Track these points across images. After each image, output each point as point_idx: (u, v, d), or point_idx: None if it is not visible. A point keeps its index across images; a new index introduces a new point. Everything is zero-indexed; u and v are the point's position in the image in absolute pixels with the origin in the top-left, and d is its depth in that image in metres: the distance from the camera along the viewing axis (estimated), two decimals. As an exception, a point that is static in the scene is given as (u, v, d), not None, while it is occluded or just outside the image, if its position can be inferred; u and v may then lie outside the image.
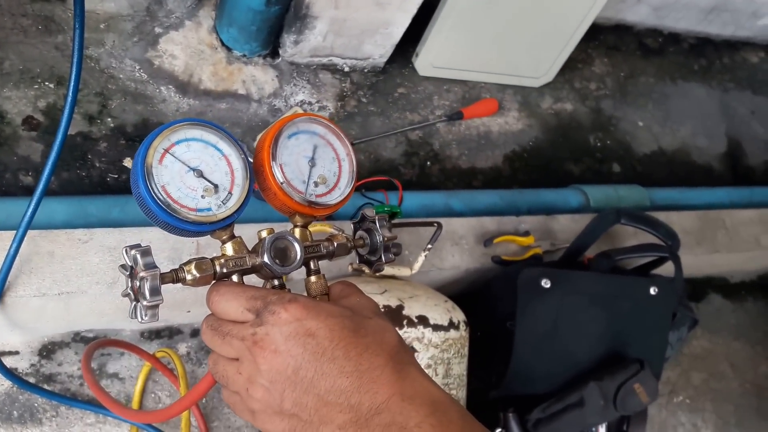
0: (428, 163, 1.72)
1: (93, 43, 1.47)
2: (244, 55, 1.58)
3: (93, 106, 1.41)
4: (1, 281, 1.01)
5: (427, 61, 1.77)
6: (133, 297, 0.55)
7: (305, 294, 0.63)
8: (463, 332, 1.22)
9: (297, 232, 0.64)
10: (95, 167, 1.35)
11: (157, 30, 1.54)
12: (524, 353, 1.27)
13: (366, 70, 1.73)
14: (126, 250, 0.55)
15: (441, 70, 1.80)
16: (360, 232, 0.71)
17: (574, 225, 1.57)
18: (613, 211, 1.44)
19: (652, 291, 1.35)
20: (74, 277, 1.07)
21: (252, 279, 0.62)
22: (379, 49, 1.66)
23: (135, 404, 1.19)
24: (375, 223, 0.69)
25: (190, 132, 0.59)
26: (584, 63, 2.13)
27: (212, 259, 0.58)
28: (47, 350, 1.20)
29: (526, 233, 1.50)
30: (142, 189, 0.55)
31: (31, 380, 1.16)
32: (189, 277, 0.57)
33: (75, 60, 0.91)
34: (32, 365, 1.18)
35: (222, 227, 0.59)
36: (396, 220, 1.21)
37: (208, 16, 1.60)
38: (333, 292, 0.63)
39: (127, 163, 1.38)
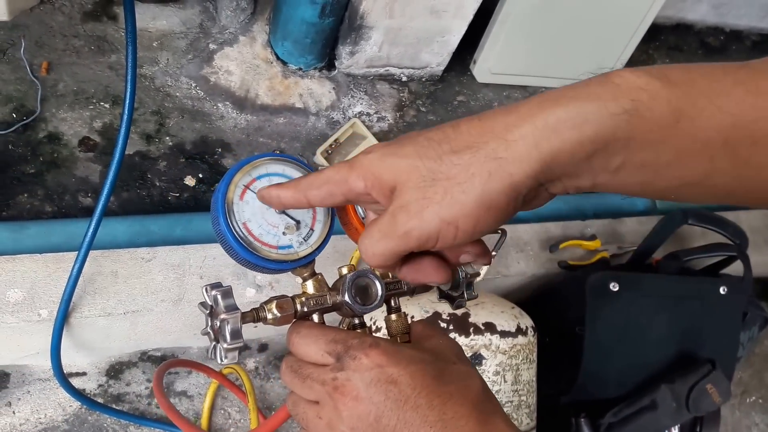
0: (490, 171, 1.67)
1: (147, 62, 1.48)
2: (300, 69, 1.57)
3: (150, 125, 1.41)
4: (65, 302, 1.00)
5: (486, 67, 1.73)
6: (212, 337, 0.54)
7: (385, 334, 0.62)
8: (531, 338, 1.19)
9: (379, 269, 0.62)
10: (155, 186, 1.35)
11: (212, 46, 1.55)
12: (594, 357, 1.26)
13: (424, 79, 1.71)
14: (206, 290, 0.53)
15: (500, 76, 1.76)
16: None
17: (641, 227, 1.54)
18: (680, 211, 1.42)
19: (722, 291, 1.34)
20: (139, 296, 1.06)
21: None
22: (436, 58, 1.63)
23: (204, 421, 1.17)
24: None
25: (272, 167, 0.57)
26: (645, 64, 2.06)
27: (293, 298, 0.57)
28: (115, 370, 1.19)
29: (593, 237, 1.47)
30: (222, 226, 0.54)
31: (99, 401, 1.16)
32: (270, 316, 0.55)
33: (129, 79, 0.91)
34: (100, 386, 1.18)
35: (303, 265, 0.58)
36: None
37: (262, 31, 1.59)
38: (414, 332, 0.61)
39: (189, 181, 1.37)
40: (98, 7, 1.49)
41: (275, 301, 0.55)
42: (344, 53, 1.57)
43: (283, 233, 0.57)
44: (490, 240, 1.27)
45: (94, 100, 1.39)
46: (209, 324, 0.53)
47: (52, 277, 1.03)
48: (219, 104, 1.49)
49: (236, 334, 0.52)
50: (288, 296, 0.57)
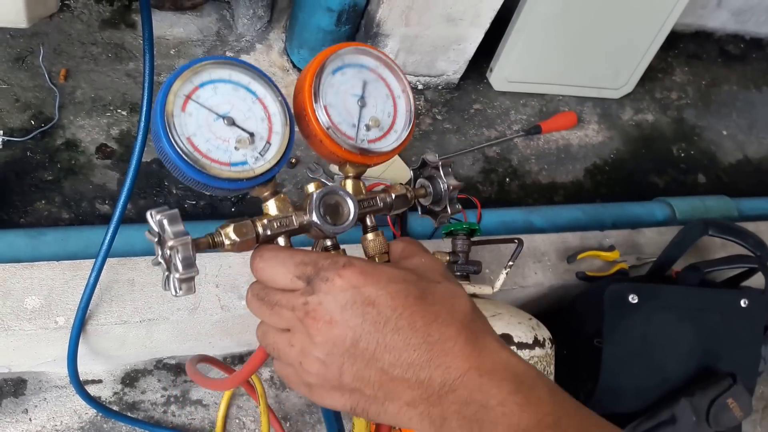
0: (507, 179, 1.66)
1: (164, 69, 1.49)
2: (315, 77, 1.57)
3: (168, 132, 1.41)
4: (82, 310, 1.00)
5: (502, 75, 1.72)
6: (165, 267, 0.47)
7: (362, 255, 0.56)
8: (548, 350, 1.18)
9: (349, 184, 0.57)
10: (172, 194, 1.35)
11: (228, 54, 1.55)
12: (613, 370, 1.24)
13: (440, 87, 1.70)
14: (151, 215, 0.46)
15: (517, 84, 1.75)
16: (421, 180, 0.62)
17: (660, 238, 1.52)
18: (700, 222, 1.39)
19: (743, 303, 1.31)
20: (155, 304, 1.06)
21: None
22: (452, 66, 1.62)
23: (218, 430, 1.16)
24: (438, 169, 0.60)
25: (216, 72, 0.50)
26: (664, 72, 2.05)
27: (253, 220, 0.51)
28: (130, 378, 1.19)
29: (611, 248, 1.45)
30: (164, 143, 0.47)
31: (115, 408, 1.15)
32: (227, 241, 0.49)
33: (146, 86, 0.91)
34: (115, 393, 1.17)
35: (261, 183, 0.51)
36: (476, 238, 1.17)
37: (278, 39, 1.59)
38: (394, 252, 0.55)
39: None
40: (116, 14, 1.50)
41: (232, 225, 0.50)
42: (361, 61, 1.56)
43: (235, 148, 0.50)
44: (507, 250, 1.26)
45: (112, 108, 1.39)
46: (159, 253, 0.47)
47: (69, 284, 1.03)
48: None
49: (188, 263, 0.46)
50: (247, 218, 0.51)
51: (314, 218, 0.51)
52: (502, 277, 1.21)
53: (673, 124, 1.97)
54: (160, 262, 0.48)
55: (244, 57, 1.55)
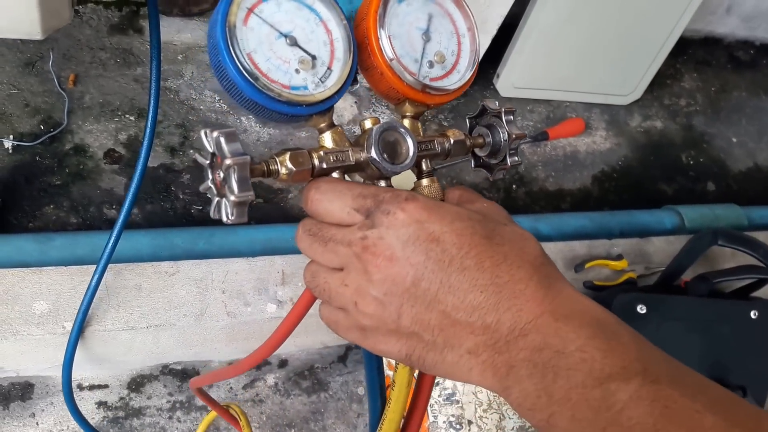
0: (513, 186, 1.66)
1: (172, 75, 1.49)
2: (323, 83, 1.58)
3: (174, 137, 1.42)
4: (81, 316, 1.00)
5: (509, 81, 1.72)
6: (215, 191, 0.44)
7: None
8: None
9: (407, 123, 0.53)
10: (179, 199, 1.36)
11: (237, 61, 1.55)
12: None
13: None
14: (206, 133, 0.44)
15: (523, 90, 1.75)
16: (479, 129, 0.57)
17: (669, 247, 1.51)
18: (709, 232, 1.38)
19: (753, 315, 1.29)
20: (162, 310, 1.06)
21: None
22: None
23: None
24: (500, 117, 0.56)
25: None
26: (673, 79, 2.04)
27: (309, 151, 0.48)
28: (136, 383, 1.20)
29: (619, 257, 1.44)
30: (224, 57, 0.44)
31: (120, 414, 1.16)
32: (283, 170, 0.46)
33: (152, 92, 0.90)
34: (121, 398, 1.18)
35: (320, 111, 0.48)
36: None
37: (286, 45, 1.60)
38: (450, 198, 0.51)
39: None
40: (124, 20, 1.51)
41: (289, 153, 0.46)
42: (368, 67, 1.57)
43: (296, 70, 0.47)
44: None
45: (120, 113, 1.40)
46: (210, 177, 0.44)
47: (76, 289, 1.03)
48: (242, 118, 1.50)
49: (245, 183, 0.43)
50: (303, 149, 0.48)
51: (372, 154, 0.48)
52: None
53: (682, 131, 1.96)
54: (210, 187, 0.45)
55: (252, 63, 1.56)
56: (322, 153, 0.48)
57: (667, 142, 1.92)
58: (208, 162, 0.44)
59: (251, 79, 0.44)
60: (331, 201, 0.46)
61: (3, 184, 1.25)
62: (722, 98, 2.08)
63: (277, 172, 0.46)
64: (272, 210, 1.41)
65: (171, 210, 1.34)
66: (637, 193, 1.80)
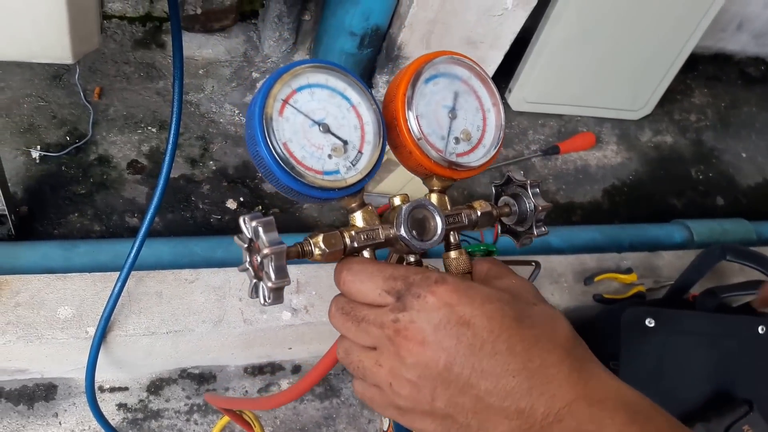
0: (523, 199, 1.69)
1: (193, 89, 1.54)
2: (339, 97, 1.61)
3: (195, 149, 1.46)
4: (104, 321, 1.04)
5: (521, 96, 1.75)
6: (252, 273, 0.47)
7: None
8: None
9: (434, 198, 0.55)
10: (199, 209, 1.40)
11: (255, 75, 1.60)
12: None
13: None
14: (245, 221, 0.46)
15: (535, 104, 1.78)
16: (505, 198, 0.58)
17: (678, 261, 1.52)
18: (718, 247, 1.39)
19: (761, 330, 1.29)
20: (181, 316, 1.10)
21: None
22: (471, 87, 1.66)
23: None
24: (525, 188, 0.57)
25: (314, 76, 0.49)
26: (683, 94, 2.07)
27: (341, 231, 0.50)
28: (155, 386, 1.23)
29: (629, 270, 1.45)
30: (261, 147, 0.46)
31: (139, 416, 1.20)
32: (317, 251, 0.48)
33: (175, 105, 0.94)
34: (140, 401, 1.22)
35: (350, 194, 0.50)
36: (493, 259, 1.19)
37: (303, 60, 1.64)
38: (479, 271, 0.52)
39: (230, 204, 1.42)
40: (148, 35, 1.56)
41: (322, 235, 0.48)
42: (381, 82, 1.60)
43: (329, 156, 0.49)
44: (524, 271, 1.28)
45: (143, 125, 1.45)
46: (248, 259, 0.47)
47: (99, 295, 1.07)
48: (261, 130, 1.54)
49: (281, 271, 0.45)
50: (335, 229, 0.50)
51: (402, 232, 0.49)
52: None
53: (692, 146, 1.98)
54: (247, 269, 0.47)
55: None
56: (353, 233, 0.50)
57: (677, 156, 1.94)
58: (246, 246, 0.47)
59: (287, 168, 0.46)
60: (362, 282, 0.47)
61: (30, 192, 1.30)
62: (732, 114, 2.10)
63: (311, 252, 0.48)
64: (287, 220, 1.45)
65: (191, 219, 1.38)
66: (647, 207, 1.82)
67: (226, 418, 1.18)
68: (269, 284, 0.45)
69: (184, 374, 1.25)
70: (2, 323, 1.01)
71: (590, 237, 1.54)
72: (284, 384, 1.30)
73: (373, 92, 1.64)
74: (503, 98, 1.77)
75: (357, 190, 0.50)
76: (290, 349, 1.28)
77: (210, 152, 1.47)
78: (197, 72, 1.56)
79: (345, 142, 0.49)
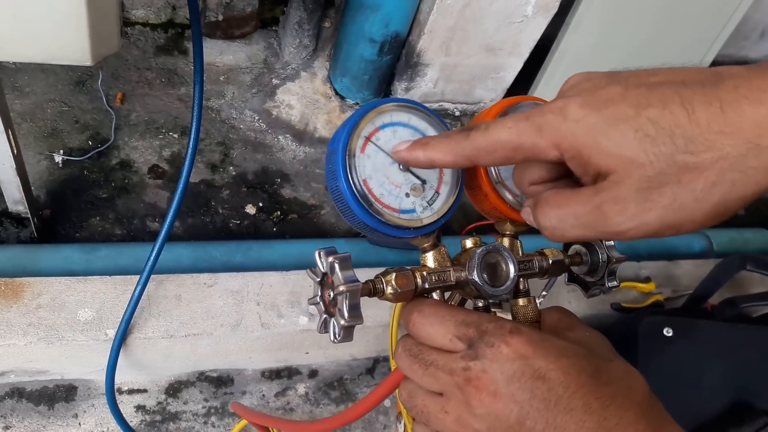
0: (541, 206, 1.69)
1: (214, 95, 1.55)
2: (357, 103, 1.63)
3: (215, 155, 1.48)
4: (125, 323, 1.05)
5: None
6: (323, 309, 0.47)
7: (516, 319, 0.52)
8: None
9: (506, 242, 0.54)
10: (218, 213, 1.41)
11: (275, 81, 1.61)
12: None
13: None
14: (321, 255, 0.46)
15: (554, 112, 1.78)
16: (576, 247, 0.58)
17: (697, 271, 1.50)
18: (738, 256, 1.38)
19: None
20: (200, 320, 1.11)
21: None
22: (490, 93, 1.66)
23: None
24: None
25: (397, 115, 0.49)
26: (704, 102, 2.05)
27: (413, 270, 0.49)
28: (173, 389, 1.25)
29: (647, 279, 1.45)
30: (342, 183, 0.46)
31: (158, 418, 1.21)
32: (389, 290, 0.47)
33: (195, 111, 0.95)
34: (159, 403, 1.23)
35: (425, 234, 0.50)
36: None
37: (322, 67, 1.65)
38: (548, 321, 0.51)
39: (249, 209, 1.43)
40: (170, 41, 1.58)
41: (395, 273, 0.47)
42: (400, 89, 1.61)
43: (406, 195, 0.48)
44: (541, 280, 1.28)
45: (164, 130, 1.46)
46: (320, 294, 0.47)
47: (119, 298, 1.09)
48: (280, 137, 1.55)
49: (355, 309, 0.44)
50: (407, 269, 0.49)
51: (474, 277, 0.48)
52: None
53: (713, 154, 1.97)
54: (318, 303, 0.47)
55: (289, 84, 1.61)
56: (425, 273, 0.49)
57: (697, 165, 1.93)
58: (318, 279, 0.47)
59: (365, 204, 0.46)
60: (433, 325, 0.46)
61: (52, 196, 1.32)
62: (755, 122, 2.08)
63: (383, 291, 0.47)
64: (306, 225, 1.46)
65: (210, 224, 1.39)
66: (667, 215, 1.80)
67: (244, 422, 1.18)
68: (342, 322, 0.45)
69: (202, 377, 1.26)
70: (24, 324, 1.03)
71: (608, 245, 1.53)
72: (301, 388, 1.30)
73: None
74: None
75: (432, 230, 0.50)
76: (307, 353, 1.28)
77: (230, 158, 1.48)
78: (218, 78, 1.58)
79: (423, 182, 0.49)
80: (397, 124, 0.49)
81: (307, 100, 1.61)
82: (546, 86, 1.70)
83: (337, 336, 0.45)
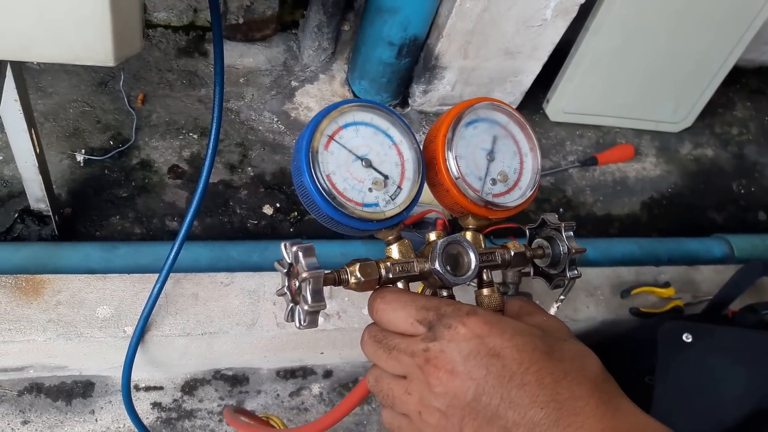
0: (561, 209, 1.68)
1: (233, 97, 1.57)
2: (376, 106, 1.63)
3: (234, 156, 1.49)
4: (143, 322, 1.06)
5: (559, 107, 1.74)
6: (290, 298, 0.48)
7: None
8: (598, 386, 1.17)
9: (469, 236, 0.56)
10: (236, 213, 1.42)
11: (293, 83, 1.62)
12: (664, 410, 1.20)
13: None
14: (286, 246, 0.48)
15: (573, 115, 1.77)
16: (539, 240, 0.60)
17: (718, 276, 1.49)
18: (759, 262, 1.36)
19: None
20: (216, 319, 1.12)
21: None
22: (508, 97, 1.66)
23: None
24: (560, 231, 0.58)
25: (360, 115, 0.52)
26: (725, 107, 2.03)
27: (377, 262, 0.51)
28: (189, 387, 1.25)
29: (667, 284, 1.43)
30: (305, 178, 0.49)
31: (173, 415, 1.22)
32: (353, 279, 0.50)
33: (215, 112, 0.96)
34: (175, 400, 1.24)
35: (388, 226, 0.52)
36: (526, 270, 1.19)
37: (341, 70, 1.66)
38: (510, 309, 0.53)
39: (267, 210, 1.44)
40: (191, 44, 1.60)
41: (359, 264, 0.50)
42: (418, 92, 1.61)
43: (369, 189, 0.51)
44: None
45: (184, 131, 1.48)
46: (287, 284, 0.48)
47: (138, 296, 1.10)
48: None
49: (318, 296, 0.46)
50: (372, 260, 0.51)
51: (436, 266, 0.51)
52: (553, 310, 1.21)
53: (733, 159, 1.95)
54: (285, 293, 0.49)
55: (308, 86, 1.62)
56: (389, 264, 0.51)
57: (717, 170, 1.91)
58: (285, 270, 0.48)
59: (329, 198, 0.49)
60: (395, 311, 0.48)
61: (74, 194, 1.34)
62: (776, 128, 2.06)
63: (347, 281, 0.50)
64: (322, 226, 1.46)
65: (228, 223, 1.40)
66: (687, 220, 1.79)
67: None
68: (305, 307, 0.47)
69: (218, 375, 1.27)
70: (43, 321, 1.04)
71: (628, 250, 1.52)
72: (315, 389, 1.31)
73: (410, 101, 1.66)
74: (541, 108, 1.77)
75: (395, 223, 0.52)
76: (322, 353, 1.29)
77: (249, 159, 1.49)
78: (238, 80, 1.59)
79: (386, 177, 0.52)
80: (359, 123, 0.52)
81: (325, 102, 1.61)
82: (565, 89, 1.70)
83: (302, 322, 0.47)
